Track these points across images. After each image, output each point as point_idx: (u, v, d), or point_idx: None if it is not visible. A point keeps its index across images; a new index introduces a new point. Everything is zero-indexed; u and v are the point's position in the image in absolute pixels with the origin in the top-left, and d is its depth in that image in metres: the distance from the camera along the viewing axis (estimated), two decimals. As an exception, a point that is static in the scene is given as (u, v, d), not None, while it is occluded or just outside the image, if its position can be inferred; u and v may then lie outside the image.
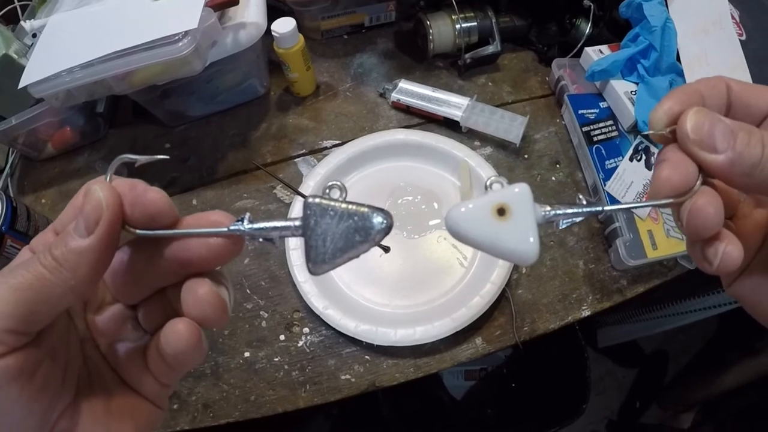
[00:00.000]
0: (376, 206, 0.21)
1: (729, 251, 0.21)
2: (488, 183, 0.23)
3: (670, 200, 0.22)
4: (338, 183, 0.22)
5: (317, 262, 0.21)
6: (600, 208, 0.23)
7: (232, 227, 0.21)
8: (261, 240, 0.21)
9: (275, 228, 0.21)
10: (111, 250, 0.20)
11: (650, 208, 0.56)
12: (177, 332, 0.21)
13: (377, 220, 0.20)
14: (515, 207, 0.21)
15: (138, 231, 0.20)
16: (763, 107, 0.22)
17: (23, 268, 0.19)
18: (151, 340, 0.23)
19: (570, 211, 0.22)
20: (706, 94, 0.22)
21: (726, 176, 0.21)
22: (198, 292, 0.21)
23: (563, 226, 0.23)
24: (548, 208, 0.22)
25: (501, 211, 0.21)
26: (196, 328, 0.21)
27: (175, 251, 0.21)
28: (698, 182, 0.21)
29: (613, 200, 0.57)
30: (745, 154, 0.20)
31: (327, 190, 0.22)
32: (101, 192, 0.19)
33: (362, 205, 0.21)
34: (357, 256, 0.21)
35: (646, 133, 0.22)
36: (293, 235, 0.21)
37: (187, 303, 0.21)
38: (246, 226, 0.21)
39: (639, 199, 0.57)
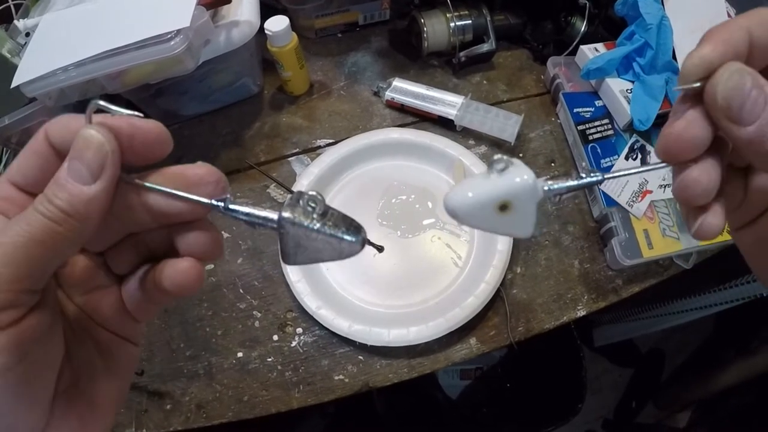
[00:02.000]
0: (351, 226, 0.21)
1: (709, 221, 0.21)
2: (494, 163, 0.22)
3: (673, 164, 0.21)
4: (316, 195, 0.21)
5: (289, 261, 0.22)
6: (599, 178, 0.22)
7: (214, 202, 0.21)
8: (245, 223, 0.22)
9: (257, 216, 0.21)
10: (112, 196, 0.19)
11: (646, 205, 0.56)
12: (184, 271, 0.21)
13: (348, 239, 0.21)
14: (517, 202, 0.21)
15: (135, 181, 0.20)
16: None
17: (22, 223, 0.18)
18: (127, 282, 0.23)
19: (570, 183, 0.22)
20: (756, 35, 0.18)
21: (745, 151, 0.19)
22: (199, 240, 0.22)
23: (565, 196, 0.22)
24: (550, 182, 0.21)
25: (503, 207, 0.21)
26: (198, 265, 0.22)
27: (159, 204, 0.21)
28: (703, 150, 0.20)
29: (609, 199, 0.57)
30: None
31: (300, 201, 0.22)
32: (101, 136, 0.18)
33: (337, 225, 0.21)
34: (330, 261, 0.22)
35: (677, 87, 0.20)
36: (270, 229, 0.21)
37: (188, 243, 0.22)
38: (226, 204, 0.21)
39: (636, 199, 0.56)
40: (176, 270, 0.21)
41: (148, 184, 0.20)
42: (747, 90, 0.18)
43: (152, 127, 0.20)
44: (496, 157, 0.21)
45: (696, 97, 0.20)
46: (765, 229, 0.23)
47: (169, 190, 0.20)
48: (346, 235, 0.21)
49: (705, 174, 0.20)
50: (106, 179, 0.19)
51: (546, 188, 0.21)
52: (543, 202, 0.22)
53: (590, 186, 0.22)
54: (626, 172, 0.23)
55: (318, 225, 0.20)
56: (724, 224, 0.21)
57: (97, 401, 0.22)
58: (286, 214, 0.20)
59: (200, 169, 0.21)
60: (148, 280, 0.23)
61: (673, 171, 0.22)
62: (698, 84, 0.19)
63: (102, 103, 0.19)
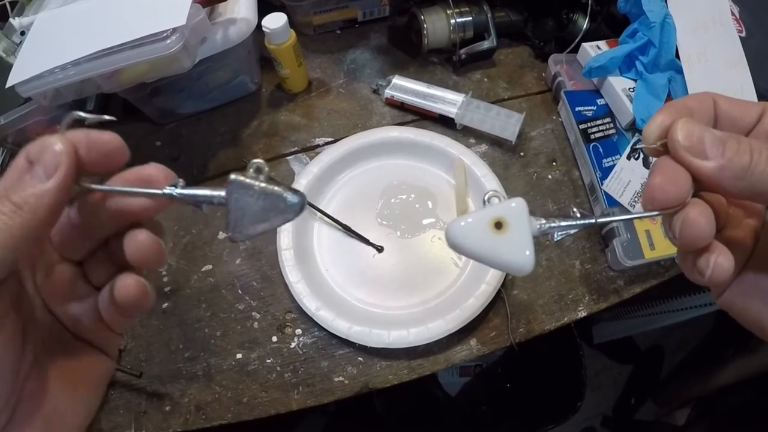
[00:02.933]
0: (291, 186, 0.23)
1: (720, 262, 0.21)
2: (486, 198, 0.24)
3: (663, 211, 0.22)
4: (259, 162, 0.24)
5: (235, 230, 0.23)
6: (593, 221, 0.24)
7: (165, 190, 0.23)
8: (192, 206, 0.24)
9: (203, 195, 0.23)
10: (66, 196, 0.21)
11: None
12: (127, 286, 0.24)
13: (290, 199, 0.23)
14: (512, 221, 0.23)
15: (90, 186, 0.22)
16: (748, 121, 0.23)
17: None
18: (101, 292, 0.25)
19: (564, 223, 0.23)
20: (694, 109, 0.23)
21: (717, 182, 0.21)
22: (138, 238, 0.23)
23: (558, 239, 0.24)
24: (543, 220, 0.23)
25: (498, 225, 0.23)
26: (141, 281, 0.24)
27: (117, 202, 0.23)
28: (689, 195, 0.22)
29: (611, 199, 0.56)
30: (735, 160, 0.21)
31: (250, 170, 0.24)
32: (58, 142, 0.21)
33: (279, 184, 0.23)
34: (272, 229, 0.23)
35: (640, 146, 0.24)
36: (218, 204, 0.23)
37: (129, 248, 0.23)
38: (177, 190, 0.23)
39: (638, 199, 0.56)
40: (123, 284, 0.24)
41: (100, 187, 0.23)
42: (701, 129, 0.21)
43: (108, 138, 0.22)
44: (491, 193, 0.24)
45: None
46: (747, 279, 0.25)
47: (119, 188, 0.23)
48: (288, 193, 0.23)
49: (703, 210, 0.21)
50: (59, 177, 0.20)
51: (539, 225, 0.23)
52: (540, 236, 0.23)
53: (582, 228, 0.24)
54: (618, 218, 0.25)
55: (263, 184, 0.23)
56: (733, 262, 0.22)
57: (63, 410, 0.24)
58: (234, 176, 0.23)
59: (152, 169, 0.23)
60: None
61: (664, 225, 0.23)
62: (659, 143, 0.22)
63: (77, 113, 0.23)
